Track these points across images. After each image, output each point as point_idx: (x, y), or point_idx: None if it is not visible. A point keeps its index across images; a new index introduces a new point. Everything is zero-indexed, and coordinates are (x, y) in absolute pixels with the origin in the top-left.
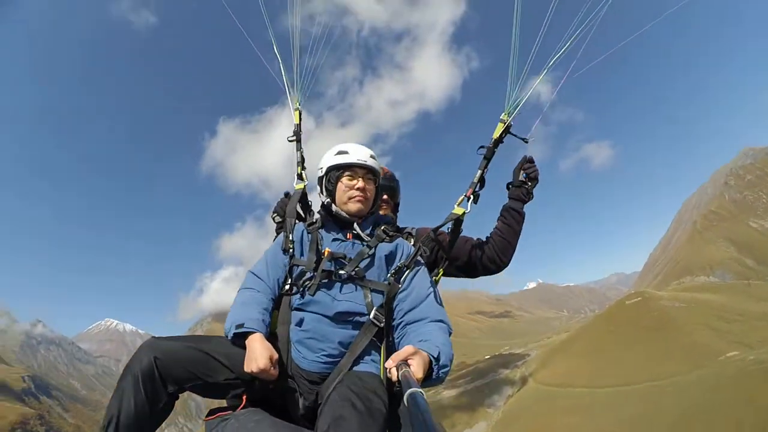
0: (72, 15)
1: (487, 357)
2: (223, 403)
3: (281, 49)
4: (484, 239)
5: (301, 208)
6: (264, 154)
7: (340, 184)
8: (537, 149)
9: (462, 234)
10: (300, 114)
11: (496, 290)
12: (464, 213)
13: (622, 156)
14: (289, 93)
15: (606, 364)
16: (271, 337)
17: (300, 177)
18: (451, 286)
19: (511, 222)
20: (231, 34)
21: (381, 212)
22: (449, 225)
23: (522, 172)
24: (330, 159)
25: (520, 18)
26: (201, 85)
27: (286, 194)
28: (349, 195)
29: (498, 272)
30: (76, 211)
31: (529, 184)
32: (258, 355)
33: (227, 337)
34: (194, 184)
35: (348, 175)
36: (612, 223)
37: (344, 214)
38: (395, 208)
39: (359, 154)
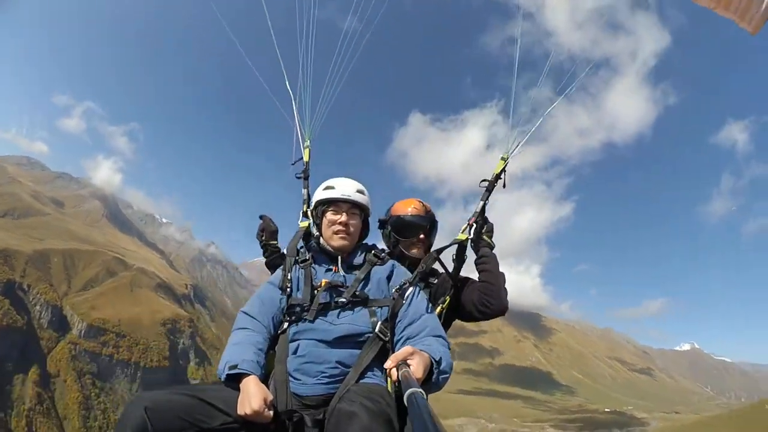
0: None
1: (607, 410)
2: None
3: (292, 81)
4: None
5: (305, 245)
6: (448, 154)
7: (324, 218)
8: (721, 205)
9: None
10: (309, 152)
11: (647, 341)
12: (467, 239)
13: None
14: (300, 130)
15: None
16: (268, 377)
17: (306, 215)
18: (598, 320)
19: (484, 267)
20: (435, 37)
21: (414, 251)
22: (453, 253)
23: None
24: (318, 194)
25: (516, 80)
26: (400, 78)
27: (261, 217)
28: (333, 230)
29: (493, 316)
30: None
31: (482, 232)
32: (252, 397)
33: (220, 378)
34: (379, 169)
35: (332, 210)
36: None
37: (329, 248)
38: (428, 248)
39: (344, 188)
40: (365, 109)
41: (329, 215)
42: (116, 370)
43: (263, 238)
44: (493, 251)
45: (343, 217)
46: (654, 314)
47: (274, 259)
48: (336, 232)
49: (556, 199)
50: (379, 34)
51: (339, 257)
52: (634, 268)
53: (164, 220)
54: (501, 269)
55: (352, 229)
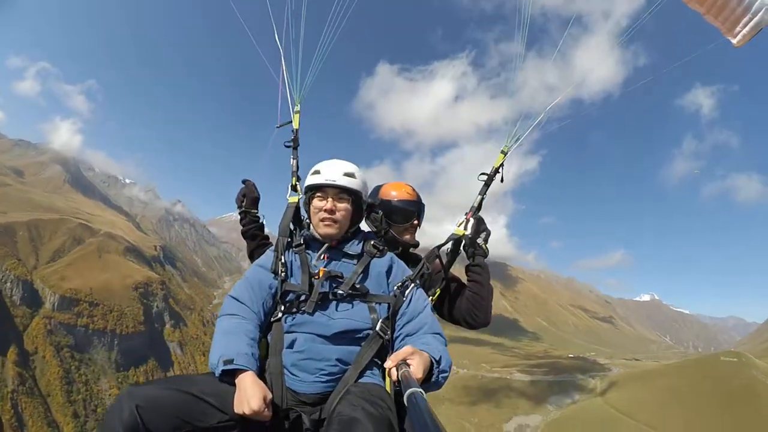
0: None
1: (570, 355)
2: None
3: (281, 34)
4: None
5: (293, 223)
6: (416, 105)
7: (311, 205)
8: (683, 166)
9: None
10: (300, 117)
11: (608, 291)
12: (464, 234)
13: None
14: (290, 93)
15: (676, 412)
16: (261, 367)
17: (294, 189)
18: (561, 270)
19: (476, 277)
20: None
21: (407, 236)
22: (449, 245)
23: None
24: (307, 179)
25: (519, 69)
26: (367, 26)
27: (244, 181)
28: (319, 217)
29: (477, 328)
30: (236, 121)
31: (478, 241)
32: (250, 396)
33: (214, 373)
34: (345, 120)
35: (318, 196)
36: (747, 263)
37: (318, 236)
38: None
39: (329, 173)
40: (330, 56)
41: (315, 202)
42: (93, 339)
43: (243, 204)
44: (486, 260)
45: (328, 204)
46: (615, 266)
47: (251, 229)
48: (322, 220)
49: (522, 153)
50: None
51: (325, 245)
52: (596, 222)
53: (128, 181)
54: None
55: (338, 216)
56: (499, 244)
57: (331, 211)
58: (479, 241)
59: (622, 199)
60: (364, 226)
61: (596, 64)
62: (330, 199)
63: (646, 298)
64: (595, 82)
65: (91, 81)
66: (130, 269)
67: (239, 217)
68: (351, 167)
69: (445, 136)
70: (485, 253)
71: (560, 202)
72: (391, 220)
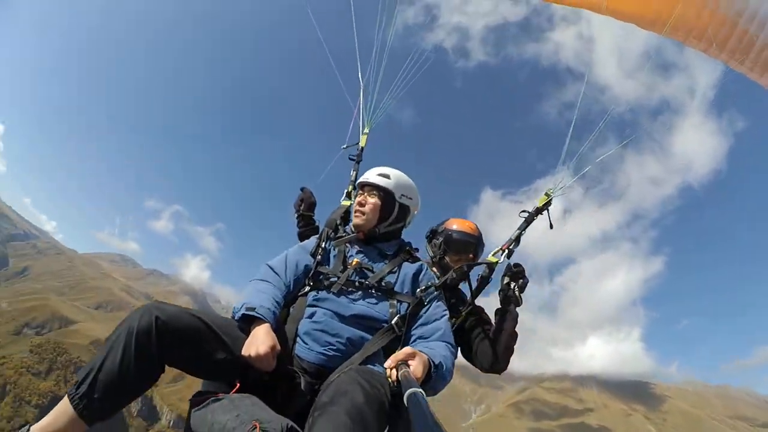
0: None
1: None
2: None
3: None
4: (488, 332)
5: (341, 223)
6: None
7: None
8: None
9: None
10: (367, 138)
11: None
12: (497, 262)
13: None
14: (363, 115)
15: None
16: (278, 332)
17: (348, 195)
18: (710, 378)
19: (503, 325)
20: (491, 114)
21: (457, 265)
22: (483, 269)
23: (506, 277)
24: None
25: (578, 141)
26: (465, 158)
27: (302, 189)
28: (353, 209)
29: (488, 372)
30: None
31: (514, 287)
32: (260, 341)
33: (234, 317)
34: None
35: (360, 193)
36: None
37: (352, 228)
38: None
39: (368, 173)
40: (436, 192)
41: (356, 199)
42: None
43: (301, 208)
44: (518, 309)
45: (361, 198)
46: None
47: (306, 231)
48: (354, 212)
49: (644, 256)
50: (435, 120)
51: (354, 235)
52: (740, 315)
53: None
54: (517, 330)
55: (366, 208)
56: (635, 361)
57: (361, 204)
58: (515, 289)
59: (763, 281)
60: (421, 247)
61: (695, 144)
62: (365, 195)
63: None
64: (700, 163)
65: (220, 224)
66: None
67: (296, 220)
68: (388, 170)
69: (560, 253)
70: (518, 302)
71: (695, 301)
72: (449, 248)
